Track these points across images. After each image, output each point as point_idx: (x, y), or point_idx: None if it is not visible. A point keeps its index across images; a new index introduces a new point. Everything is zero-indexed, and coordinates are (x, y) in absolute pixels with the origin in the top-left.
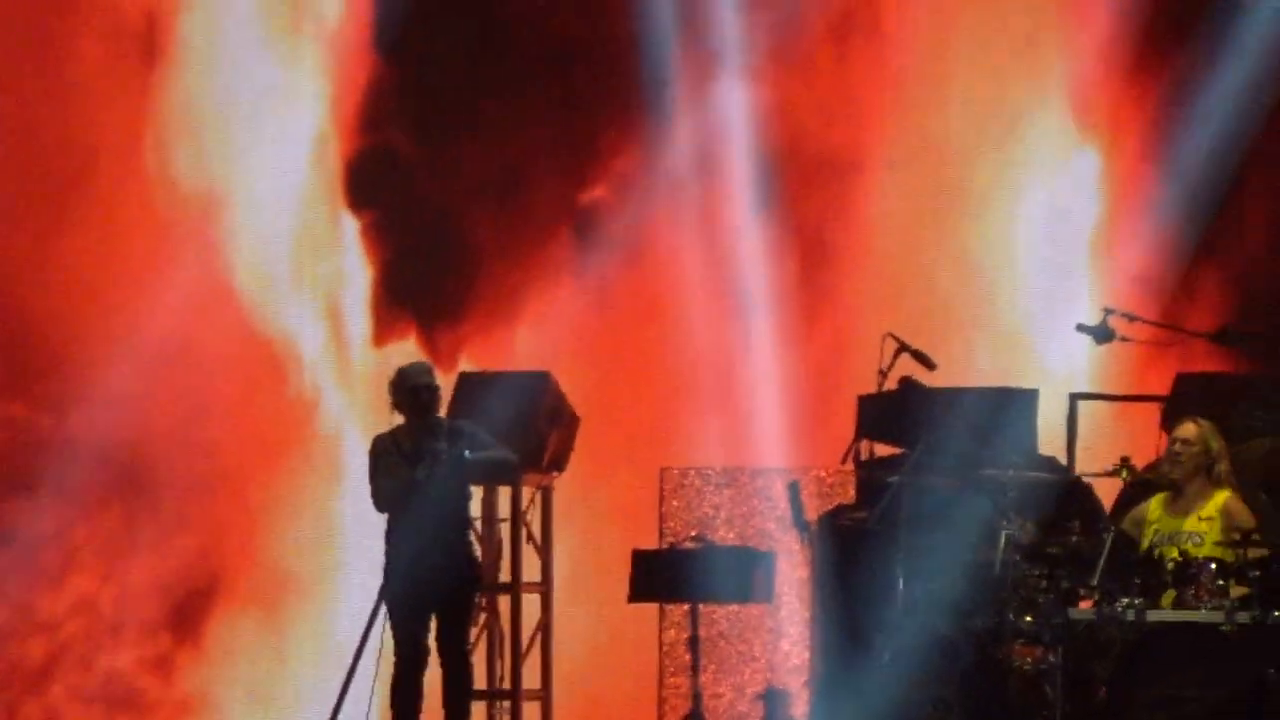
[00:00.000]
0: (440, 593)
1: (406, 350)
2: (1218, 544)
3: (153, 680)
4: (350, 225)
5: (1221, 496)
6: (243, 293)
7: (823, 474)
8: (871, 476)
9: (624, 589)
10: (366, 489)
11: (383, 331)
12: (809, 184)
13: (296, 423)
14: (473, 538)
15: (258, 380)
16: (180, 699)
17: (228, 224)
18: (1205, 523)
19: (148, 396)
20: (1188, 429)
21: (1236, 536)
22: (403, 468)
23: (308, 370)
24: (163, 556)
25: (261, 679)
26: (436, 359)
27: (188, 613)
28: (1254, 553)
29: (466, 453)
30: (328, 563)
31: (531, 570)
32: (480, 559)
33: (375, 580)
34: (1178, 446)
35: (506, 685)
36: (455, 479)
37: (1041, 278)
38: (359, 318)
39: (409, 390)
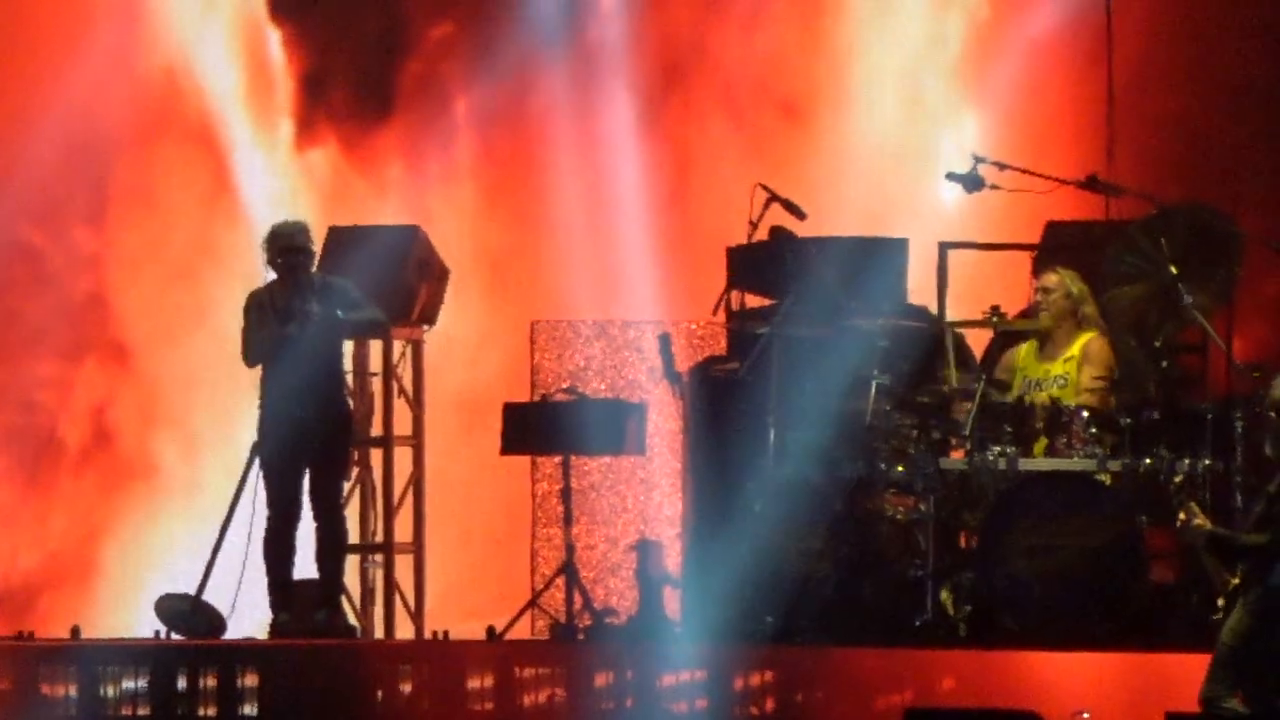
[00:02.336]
0: (312, 447)
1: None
2: (1087, 389)
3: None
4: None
5: (1084, 338)
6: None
7: (693, 326)
8: (742, 327)
9: (496, 442)
10: None
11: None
12: (675, 22)
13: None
14: (345, 393)
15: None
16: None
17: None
18: (1067, 364)
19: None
20: (1048, 278)
21: (1103, 382)
22: (274, 324)
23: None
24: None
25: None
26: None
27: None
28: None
29: (339, 313)
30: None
31: (403, 424)
32: (352, 414)
33: None
34: (1039, 296)
35: (379, 539)
36: (326, 337)
37: (912, 123)
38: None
39: (280, 250)
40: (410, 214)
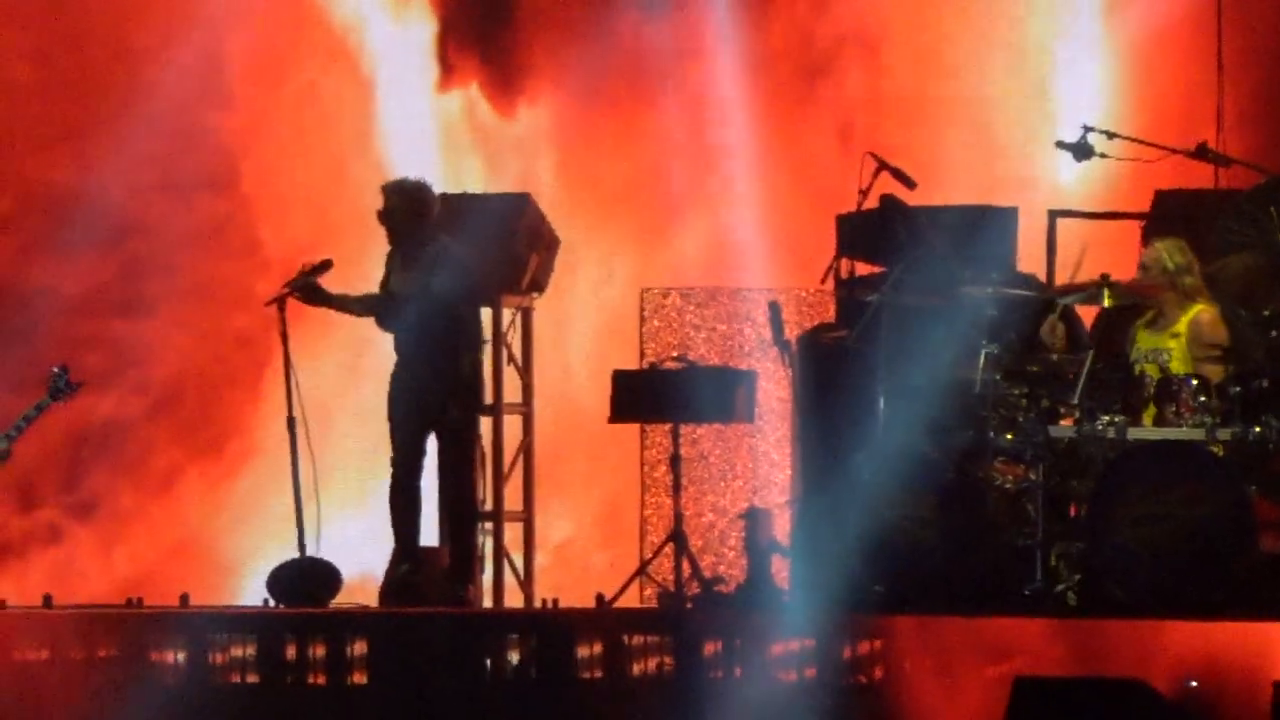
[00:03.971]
0: (429, 410)
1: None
2: (1197, 360)
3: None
4: None
5: (1193, 311)
6: None
7: (803, 293)
8: (851, 295)
9: (605, 409)
10: None
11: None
12: None
13: None
14: (464, 359)
15: None
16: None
17: None
18: (1175, 339)
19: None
20: (1146, 254)
21: (1215, 353)
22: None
23: None
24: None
25: None
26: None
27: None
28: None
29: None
30: None
31: (513, 391)
32: (469, 380)
33: None
34: (1140, 273)
35: (489, 506)
36: (421, 304)
37: (1022, 92)
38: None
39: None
40: (522, 177)
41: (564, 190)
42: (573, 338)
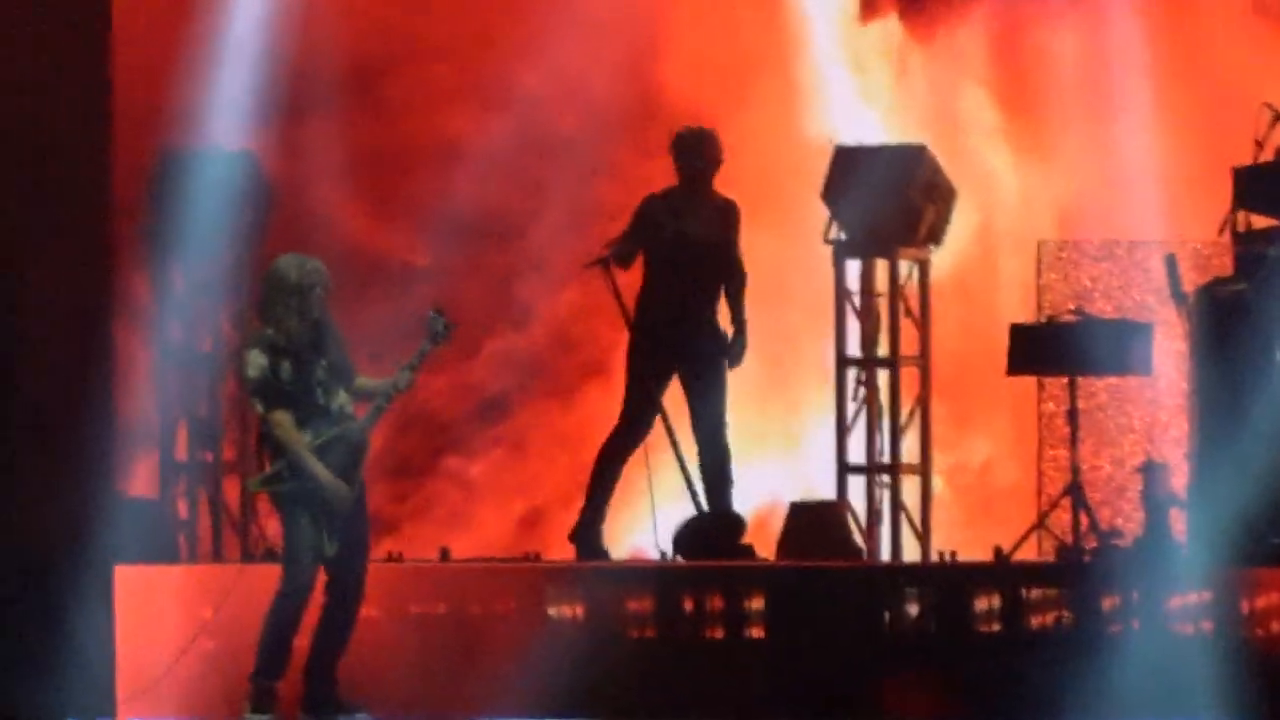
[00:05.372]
0: (679, 366)
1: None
2: None
3: None
4: None
5: None
6: None
7: (1199, 246)
8: (1249, 248)
9: (1002, 362)
10: None
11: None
12: None
13: None
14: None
15: None
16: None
17: None
18: None
19: None
20: None
21: None
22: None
23: None
24: None
25: None
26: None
27: None
28: None
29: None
30: None
31: (909, 344)
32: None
33: None
34: None
35: (886, 460)
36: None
37: None
38: None
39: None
40: (926, 122)
41: (957, 139)
42: (969, 290)
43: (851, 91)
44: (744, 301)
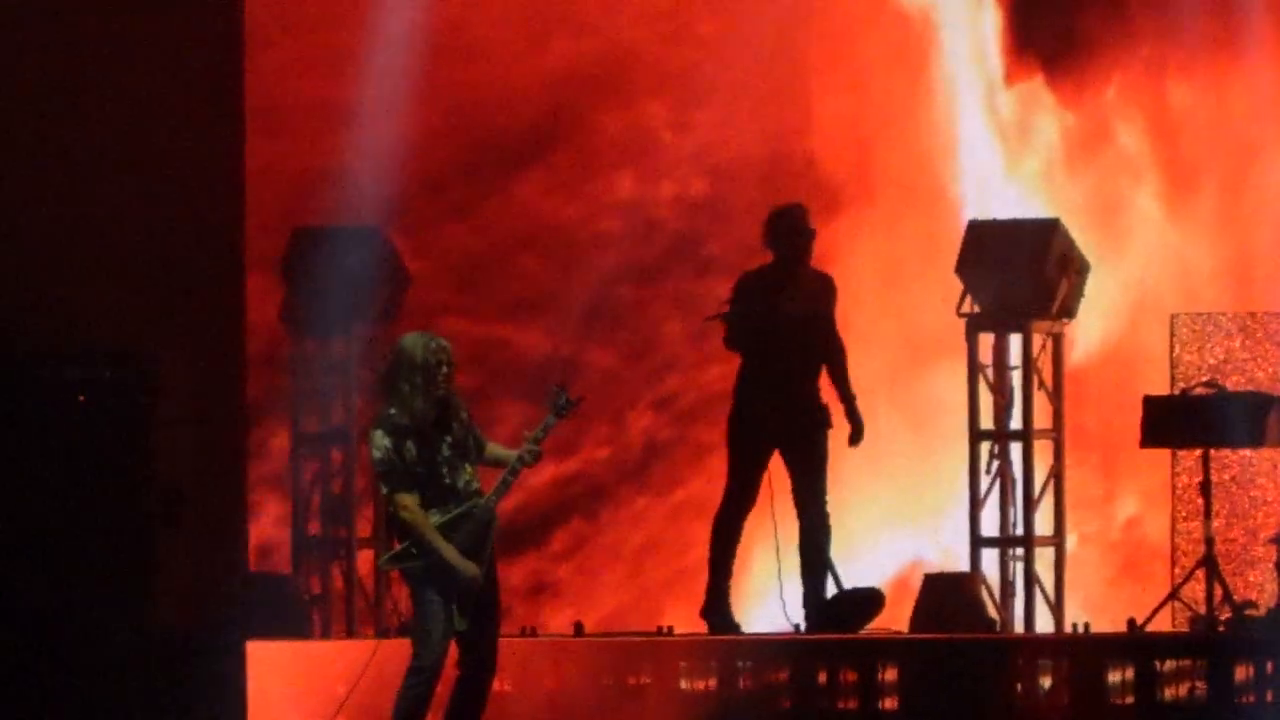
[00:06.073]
0: (781, 440)
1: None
2: None
3: None
4: None
5: None
6: None
7: None
8: None
9: (1135, 436)
10: None
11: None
12: None
13: None
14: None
15: None
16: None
17: None
18: None
19: None
20: None
21: None
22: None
23: None
24: None
25: None
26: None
27: None
28: None
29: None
30: None
31: (1043, 417)
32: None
33: None
34: None
35: (1019, 532)
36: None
37: None
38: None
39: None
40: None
41: (1089, 216)
42: (1103, 363)
43: (994, 158)
44: (848, 375)
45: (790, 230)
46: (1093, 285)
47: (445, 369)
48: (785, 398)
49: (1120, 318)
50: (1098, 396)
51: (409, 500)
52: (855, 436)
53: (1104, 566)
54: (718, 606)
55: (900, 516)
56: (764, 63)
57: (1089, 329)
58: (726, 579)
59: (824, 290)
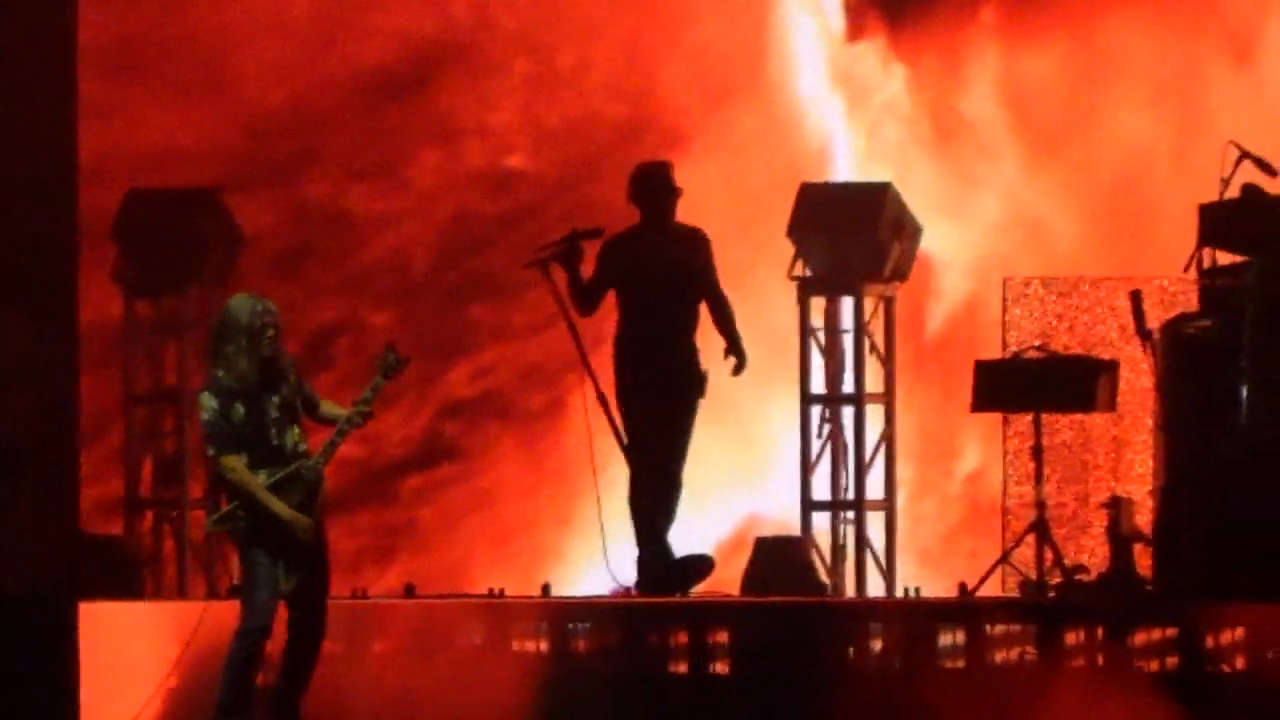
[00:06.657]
0: (658, 392)
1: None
2: None
3: None
4: None
5: None
6: None
7: (1165, 283)
8: (1215, 285)
9: (966, 399)
10: None
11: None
12: None
13: None
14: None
15: None
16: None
17: None
18: None
19: None
20: None
21: None
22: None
23: None
24: None
25: None
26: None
27: None
28: None
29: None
30: None
31: (874, 381)
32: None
33: None
34: None
35: (850, 496)
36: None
37: None
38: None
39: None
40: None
41: (926, 176)
42: (933, 326)
43: (836, 114)
44: (734, 325)
45: (658, 188)
46: (940, 247)
47: (271, 331)
48: (664, 352)
49: (967, 281)
50: (931, 359)
51: (235, 461)
52: (739, 368)
53: (936, 530)
54: (648, 577)
55: (735, 474)
56: (599, 25)
57: (944, 293)
58: (650, 547)
59: (696, 244)
